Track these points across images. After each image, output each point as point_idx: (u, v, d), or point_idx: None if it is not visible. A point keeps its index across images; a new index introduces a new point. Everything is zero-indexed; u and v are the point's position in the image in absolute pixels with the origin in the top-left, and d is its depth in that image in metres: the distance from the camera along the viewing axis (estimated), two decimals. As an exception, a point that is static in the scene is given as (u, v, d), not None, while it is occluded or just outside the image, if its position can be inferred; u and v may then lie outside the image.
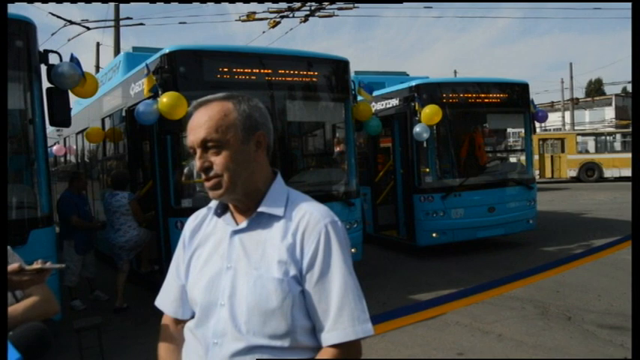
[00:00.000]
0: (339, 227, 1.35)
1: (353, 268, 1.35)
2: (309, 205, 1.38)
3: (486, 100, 8.71)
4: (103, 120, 7.91)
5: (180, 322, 1.48)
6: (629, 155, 19.76)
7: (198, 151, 1.32)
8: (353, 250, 6.32)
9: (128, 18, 14.22)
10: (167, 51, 5.54)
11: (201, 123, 1.32)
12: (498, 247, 8.77)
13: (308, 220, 1.33)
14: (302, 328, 1.30)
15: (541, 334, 4.65)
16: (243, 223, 1.37)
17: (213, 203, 1.46)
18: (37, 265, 1.69)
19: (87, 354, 4.14)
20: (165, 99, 5.08)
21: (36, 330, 2.37)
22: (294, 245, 1.31)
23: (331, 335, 1.28)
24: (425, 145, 8.18)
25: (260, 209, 1.35)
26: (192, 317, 1.42)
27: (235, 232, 1.37)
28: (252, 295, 1.28)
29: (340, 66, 6.54)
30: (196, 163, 1.33)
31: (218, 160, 1.31)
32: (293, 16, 11.42)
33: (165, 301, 1.52)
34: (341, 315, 1.28)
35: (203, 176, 1.33)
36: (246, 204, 1.38)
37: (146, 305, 5.71)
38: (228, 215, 1.41)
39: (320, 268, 1.30)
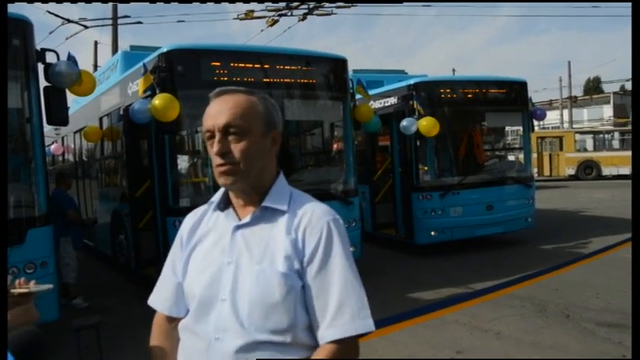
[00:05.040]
0: (341, 225, 1.37)
1: (355, 265, 1.35)
2: (311, 203, 1.40)
3: (485, 99, 8.71)
4: (100, 119, 7.89)
5: (173, 321, 1.47)
6: (627, 153, 19.78)
7: (218, 135, 1.31)
8: (352, 248, 6.28)
9: (126, 16, 14.11)
10: (165, 50, 5.52)
11: (225, 109, 1.32)
12: (496, 245, 8.78)
13: (310, 217, 1.34)
14: (303, 324, 1.31)
15: (540, 332, 4.66)
16: (247, 218, 1.37)
17: (216, 198, 1.45)
18: (22, 288, 1.67)
19: (86, 353, 4.13)
20: (157, 101, 5.06)
21: (31, 334, 2.35)
22: (296, 241, 1.32)
23: (330, 331, 1.28)
24: (423, 143, 8.18)
25: (264, 204, 1.36)
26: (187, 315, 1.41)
27: (238, 227, 1.37)
28: (255, 289, 1.29)
29: (338, 64, 6.53)
30: (214, 147, 1.31)
31: (238, 147, 1.31)
32: (291, 15, 11.40)
33: (159, 299, 1.51)
34: (341, 311, 1.28)
35: (218, 160, 1.32)
36: (251, 197, 1.38)
37: (145, 305, 5.69)
38: (230, 210, 1.42)
39: (320, 263, 1.30)
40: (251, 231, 1.36)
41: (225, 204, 1.43)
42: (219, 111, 1.32)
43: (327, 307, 1.29)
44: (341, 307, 1.28)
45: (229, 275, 1.33)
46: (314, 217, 1.34)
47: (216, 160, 1.32)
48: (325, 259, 1.31)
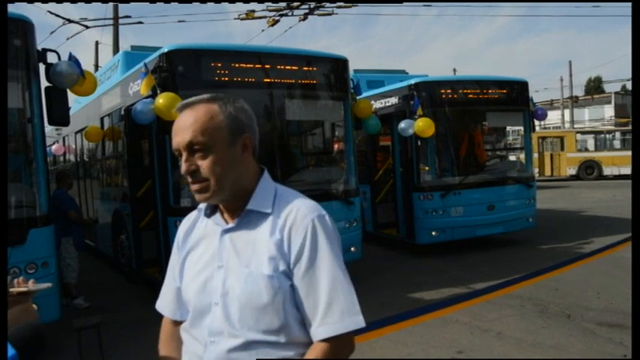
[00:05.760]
0: (327, 221, 1.35)
1: (343, 261, 1.34)
2: (296, 200, 1.37)
3: (486, 99, 8.71)
4: (102, 119, 7.90)
5: (179, 324, 1.49)
6: (628, 153, 19.75)
7: (184, 154, 1.31)
8: (352, 248, 6.32)
9: (127, 16, 14.12)
10: (165, 50, 5.52)
11: (187, 125, 1.30)
12: (498, 245, 8.77)
13: (295, 216, 1.33)
14: (296, 323, 1.31)
15: (540, 333, 4.65)
16: (233, 222, 1.37)
17: (203, 204, 1.45)
18: (22, 287, 1.67)
19: (86, 353, 4.13)
20: (161, 100, 5.07)
21: (31, 327, 2.36)
22: (281, 241, 1.31)
23: (321, 330, 1.28)
24: (424, 143, 8.18)
25: (248, 207, 1.36)
26: None
27: (225, 232, 1.38)
28: (244, 292, 1.29)
29: (339, 64, 6.53)
30: (182, 166, 1.32)
31: (205, 164, 1.30)
32: (292, 15, 11.40)
33: (164, 303, 1.54)
34: (330, 309, 1.28)
35: (189, 179, 1.33)
36: (235, 203, 1.38)
37: (146, 305, 5.71)
38: (217, 215, 1.42)
39: (306, 262, 1.30)
40: (238, 235, 1.36)
41: (212, 210, 1.43)
42: (182, 128, 1.31)
43: (317, 307, 1.29)
44: (330, 305, 1.28)
45: (220, 279, 1.34)
46: (298, 215, 1.32)
47: (188, 179, 1.33)
48: (312, 259, 1.30)
